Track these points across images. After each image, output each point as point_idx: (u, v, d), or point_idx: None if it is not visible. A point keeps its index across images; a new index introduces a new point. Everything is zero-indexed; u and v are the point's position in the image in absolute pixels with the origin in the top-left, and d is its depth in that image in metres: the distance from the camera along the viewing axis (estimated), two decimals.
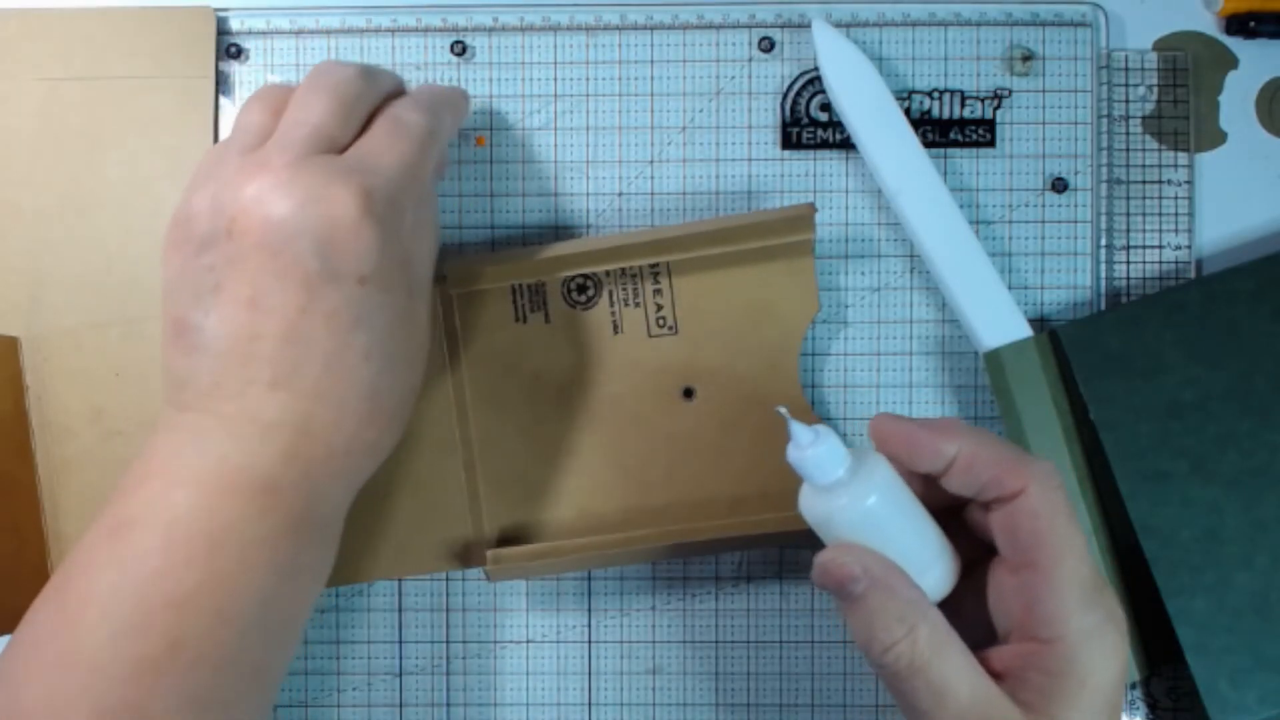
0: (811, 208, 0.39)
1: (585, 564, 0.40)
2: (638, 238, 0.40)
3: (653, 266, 0.40)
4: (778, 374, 0.41)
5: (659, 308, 0.41)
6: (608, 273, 0.40)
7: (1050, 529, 0.30)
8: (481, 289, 0.40)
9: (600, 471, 0.41)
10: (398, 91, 0.37)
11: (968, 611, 0.32)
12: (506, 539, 0.41)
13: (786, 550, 0.43)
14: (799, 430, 0.31)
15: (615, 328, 0.41)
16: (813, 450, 0.31)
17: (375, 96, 0.35)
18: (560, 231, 0.43)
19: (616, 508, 0.41)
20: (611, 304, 0.41)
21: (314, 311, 0.32)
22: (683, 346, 0.41)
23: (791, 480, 0.32)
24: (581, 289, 0.41)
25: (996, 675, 0.31)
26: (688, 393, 0.41)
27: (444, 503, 0.40)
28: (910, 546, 0.32)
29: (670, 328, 0.41)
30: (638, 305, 0.41)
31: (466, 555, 0.41)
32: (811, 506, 0.32)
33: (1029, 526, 0.30)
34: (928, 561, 0.32)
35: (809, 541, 0.34)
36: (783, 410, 0.32)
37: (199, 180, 0.34)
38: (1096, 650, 0.30)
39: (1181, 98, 0.43)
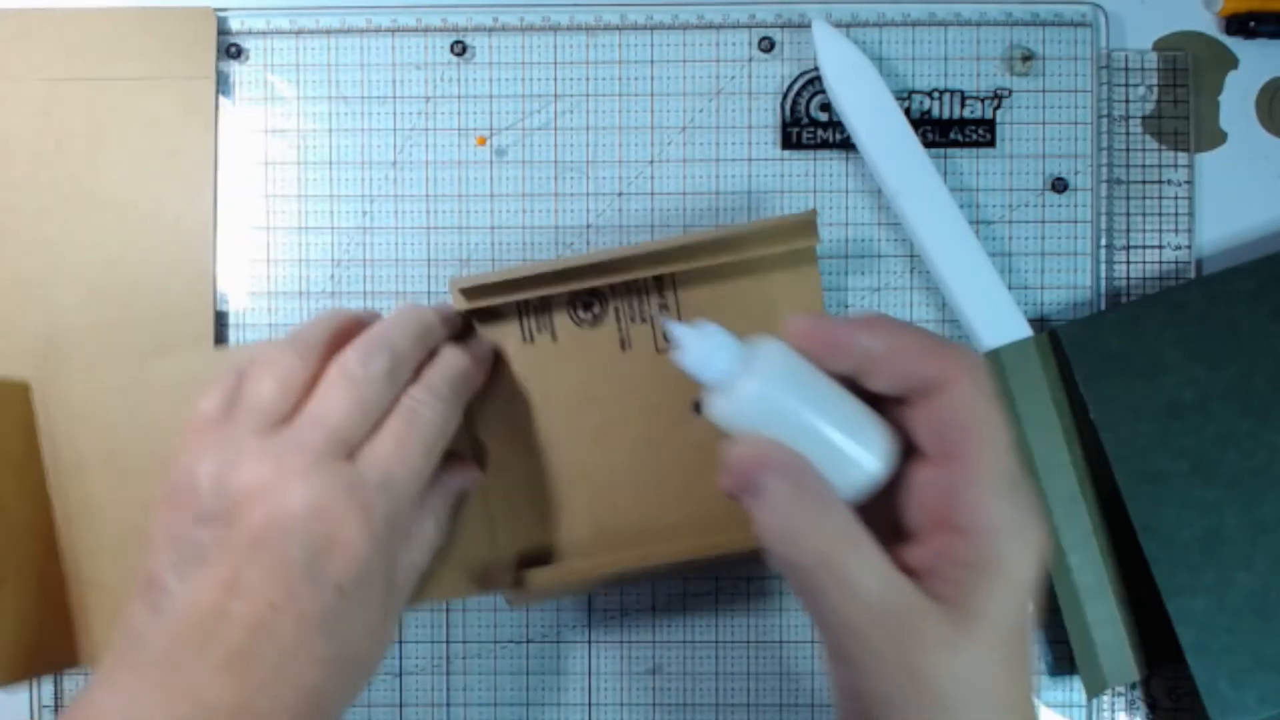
0: (813, 214, 0.39)
1: (605, 583, 0.40)
2: (640, 249, 0.39)
3: (658, 281, 0.40)
4: None
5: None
6: (612, 288, 0.40)
7: (979, 418, 0.29)
8: (487, 307, 0.40)
9: (615, 489, 0.41)
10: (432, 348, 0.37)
11: (881, 516, 0.31)
12: (525, 561, 0.41)
13: None
14: (678, 331, 0.30)
15: (623, 344, 0.41)
16: (696, 347, 0.29)
17: (396, 393, 0.35)
18: (560, 231, 0.43)
19: (633, 524, 0.41)
20: (618, 321, 0.41)
21: (286, 610, 0.32)
22: None
23: None
24: (587, 306, 0.41)
25: (911, 572, 0.29)
26: (698, 406, 0.41)
27: (461, 527, 0.40)
28: (827, 435, 0.29)
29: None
30: (644, 321, 0.41)
31: (486, 579, 0.40)
32: (718, 412, 0.30)
33: (958, 417, 0.29)
34: (852, 448, 0.29)
35: None
36: (663, 319, 0.30)
37: (205, 446, 0.34)
38: (1016, 542, 0.28)
39: (1181, 98, 0.43)
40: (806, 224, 0.39)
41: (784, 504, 0.29)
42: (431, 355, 0.37)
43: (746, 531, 0.38)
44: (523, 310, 0.40)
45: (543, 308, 0.40)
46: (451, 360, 0.37)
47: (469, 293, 0.39)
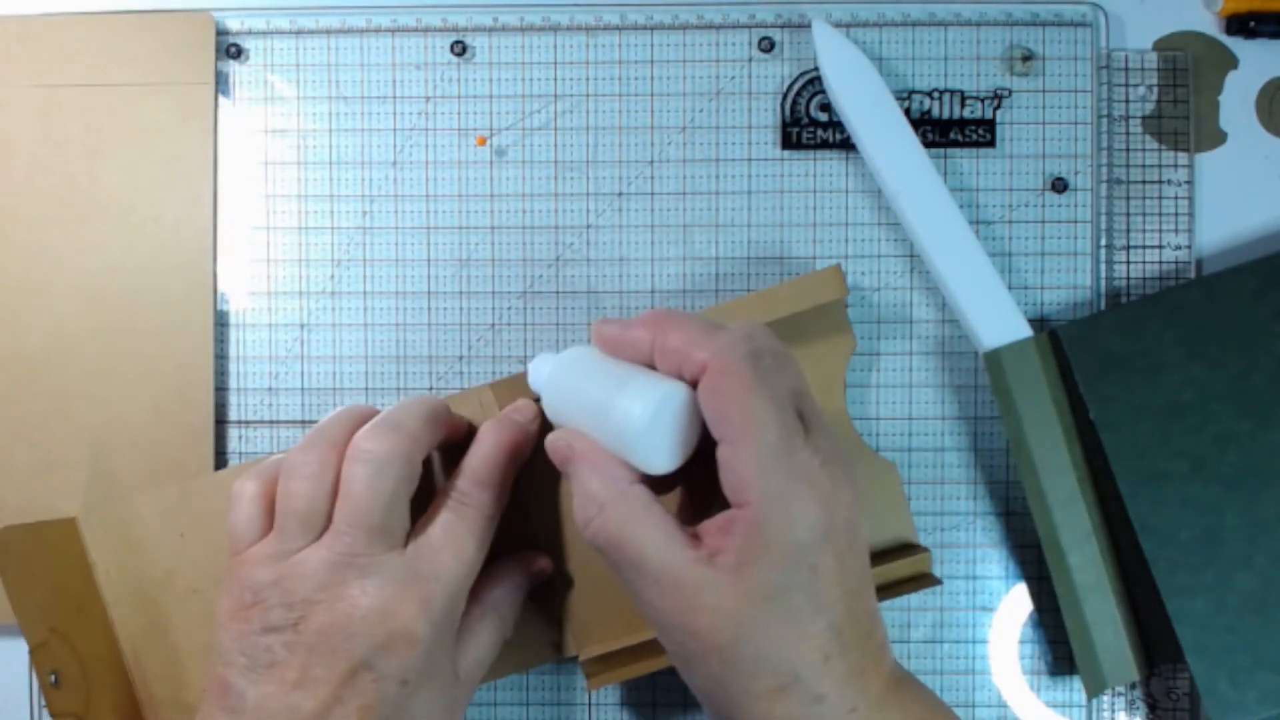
0: (838, 269, 0.39)
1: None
2: None
3: None
4: (827, 416, 0.41)
5: None
6: None
7: (731, 399, 0.31)
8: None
9: None
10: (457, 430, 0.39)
11: (704, 493, 0.34)
12: (592, 635, 0.41)
13: None
14: (529, 365, 0.36)
15: None
16: (531, 369, 0.36)
17: (415, 469, 0.36)
18: (560, 231, 0.43)
19: None
20: None
21: (350, 702, 0.34)
22: None
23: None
24: None
25: (713, 546, 0.31)
26: None
27: (531, 602, 0.40)
28: (595, 395, 0.33)
29: None
30: None
31: (558, 648, 0.41)
32: (546, 410, 0.36)
33: (716, 399, 0.31)
34: (618, 399, 0.33)
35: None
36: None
37: (259, 560, 0.35)
38: (782, 511, 0.30)
39: (1181, 98, 0.43)
40: (832, 280, 0.39)
41: (580, 487, 0.33)
42: (469, 439, 0.38)
43: None
44: None
45: None
46: (490, 440, 0.38)
47: (506, 390, 0.39)
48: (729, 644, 0.31)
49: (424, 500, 0.37)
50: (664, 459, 0.33)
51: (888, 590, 0.40)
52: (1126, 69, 0.43)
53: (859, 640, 0.32)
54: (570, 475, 0.34)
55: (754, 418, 0.31)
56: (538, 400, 0.37)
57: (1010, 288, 0.42)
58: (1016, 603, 0.43)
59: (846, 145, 0.43)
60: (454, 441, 0.38)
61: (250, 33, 0.43)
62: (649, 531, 0.32)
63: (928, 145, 0.42)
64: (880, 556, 0.41)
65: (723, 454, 0.31)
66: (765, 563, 0.31)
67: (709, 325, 0.33)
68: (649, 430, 0.32)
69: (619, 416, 0.32)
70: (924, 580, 0.40)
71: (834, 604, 0.31)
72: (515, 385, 0.39)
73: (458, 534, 0.36)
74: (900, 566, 0.40)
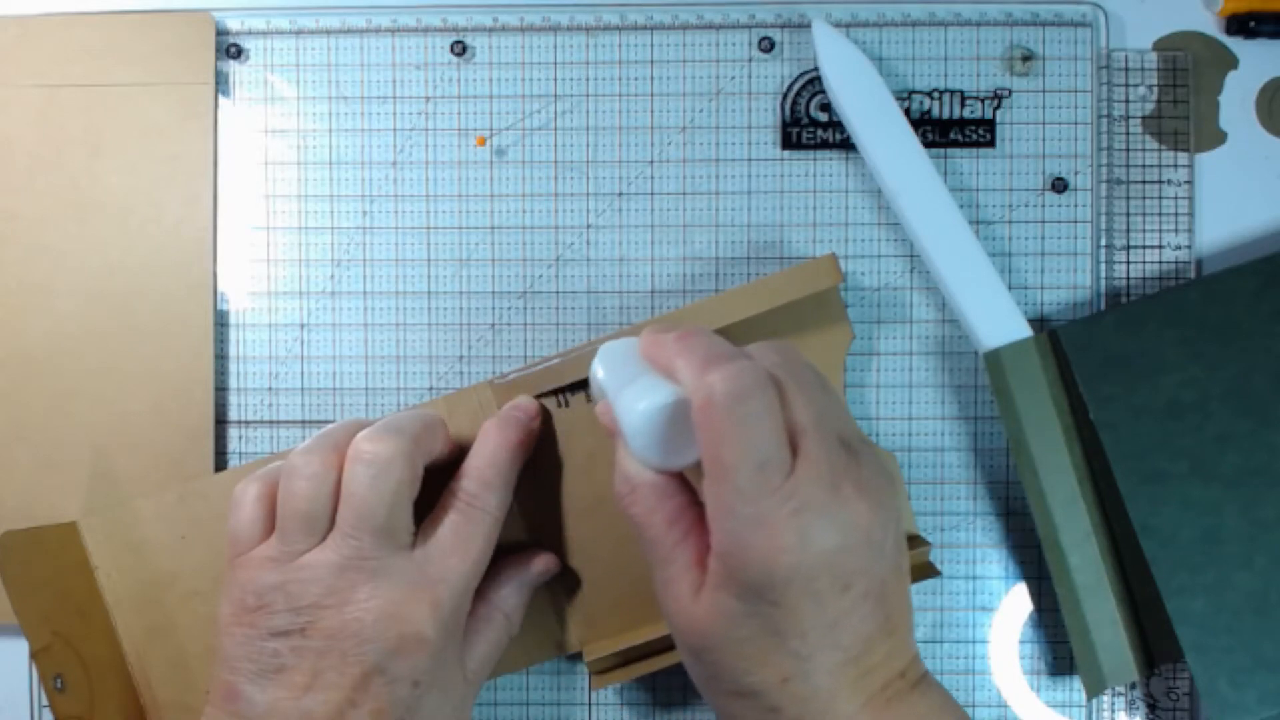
0: (833, 257, 0.39)
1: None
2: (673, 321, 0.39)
3: None
4: None
5: None
6: None
7: (703, 438, 0.31)
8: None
9: None
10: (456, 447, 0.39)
11: None
12: (596, 632, 0.41)
13: None
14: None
15: None
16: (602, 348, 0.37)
17: (416, 471, 0.36)
18: (560, 231, 0.43)
19: None
20: None
21: (363, 705, 0.34)
22: None
23: None
24: None
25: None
26: None
27: (533, 600, 0.40)
28: (619, 392, 0.35)
29: None
30: None
31: (562, 646, 0.41)
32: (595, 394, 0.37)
33: (698, 428, 0.31)
34: (629, 398, 0.34)
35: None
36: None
37: (264, 562, 0.35)
38: (738, 553, 0.31)
39: (1181, 98, 0.43)
40: (826, 269, 0.39)
41: (624, 465, 0.34)
42: (463, 450, 0.38)
43: None
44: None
45: None
46: (493, 439, 0.38)
47: (505, 390, 0.39)
48: (696, 647, 0.33)
49: (425, 506, 0.37)
50: (656, 457, 0.34)
51: None
52: (1126, 69, 0.43)
53: (837, 666, 0.32)
54: (616, 447, 0.35)
55: (723, 461, 0.31)
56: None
57: (1010, 288, 0.42)
58: (1016, 603, 0.43)
59: (846, 145, 0.43)
60: (453, 458, 0.38)
61: (250, 33, 0.43)
62: (665, 524, 0.33)
63: (928, 145, 0.42)
64: None
65: (704, 484, 0.32)
66: (728, 590, 0.31)
67: (713, 355, 0.32)
68: (641, 428, 0.33)
69: (622, 408, 0.34)
70: (924, 571, 0.40)
71: (802, 634, 0.31)
72: (514, 384, 0.39)
73: (465, 535, 0.36)
74: None
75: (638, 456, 0.34)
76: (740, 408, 0.31)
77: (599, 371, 0.36)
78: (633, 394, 0.34)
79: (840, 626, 0.31)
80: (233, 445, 0.43)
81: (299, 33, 0.43)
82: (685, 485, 0.34)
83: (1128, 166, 0.43)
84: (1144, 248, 0.43)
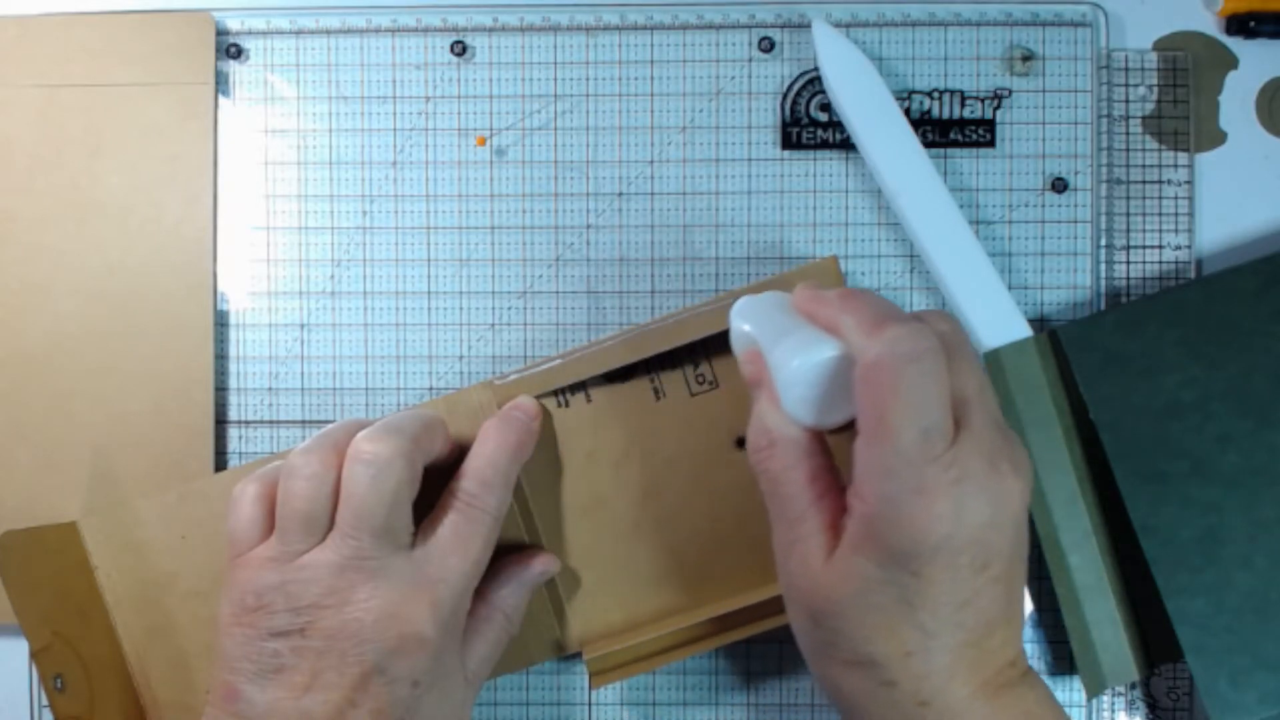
0: (834, 260, 0.39)
1: (687, 651, 0.40)
2: (669, 326, 0.39)
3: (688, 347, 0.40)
4: None
5: (696, 366, 0.41)
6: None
7: (868, 398, 0.31)
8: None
9: (670, 537, 0.41)
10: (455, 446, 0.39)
11: None
12: (595, 631, 0.41)
13: None
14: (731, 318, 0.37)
15: (657, 394, 0.41)
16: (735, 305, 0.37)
17: (416, 471, 0.36)
18: (560, 231, 0.43)
19: (693, 567, 0.41)
20: (649, 372, 0.41)
21: (363, 705, 0.34)
22: (727, 398, 0.40)
23: None
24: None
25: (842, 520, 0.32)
26: (740, 442, 0.41)
27: (533, 600, 0.40)
28: (770, 342, 0.34)
29: (711, 383, 0.41)
30: (675, 368, 0.41)
31: (561, 646, 0.41)
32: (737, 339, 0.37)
33: (858, 393, 0.31)
34: (781, 351, 0.34)
35: None
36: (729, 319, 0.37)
37: (263, 563, 0.35)
38: (893, 518, 0.30)
39: (1181, 98, 0.43)
40: (827, 270, 0.39)
41: (763, 418, 0.34)
42: (463, 450, 0.38)
43: None
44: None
45: None
46: (493, 439, 0.38)
47: (505, 390, 0.39)
48: (819, 611, 0.32)
49: (425, 506, 0.37)
50: (807, 413, 0.33)
51: None
52: (1126, 69, 0.43)
53: (959, 646, 0.31)
54: (754, 399, 0.35)
55: (888, 422, 0.30)
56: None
57: (1010, 288, 0.42)
58: None
59: (846, 145, 0.43)
60: (453, 458, 0.38)
61: (250, 33, 0.43)
62: (803, 482, 0.33)
63: (928, 145, 0.42)
64: None
65: (857, 445, 0.31)
66: (867, 555, 0.31)
67: (885, 314, 0.32)
68: (798, 381, 0.33)
69: (777, 361, 0.33)
70: None
71: (934, 609, 0.31)
72: (514, 384, 0.39)
73: (465, 535, 0.36)
74: None
75: (787, 410, 0.33)
76: (911, 369, 0.30)
77: (744, 325, 0.36)
78: (789, 346, 0.33)
79: (970, 606, 0.31)
80: (233, 445, 0.43)
81: (299, 33, 0.43)
82: (825, 446, 0.34)
83: (1128, 166, 0.43)
84: (1144, 248, 0.43)
